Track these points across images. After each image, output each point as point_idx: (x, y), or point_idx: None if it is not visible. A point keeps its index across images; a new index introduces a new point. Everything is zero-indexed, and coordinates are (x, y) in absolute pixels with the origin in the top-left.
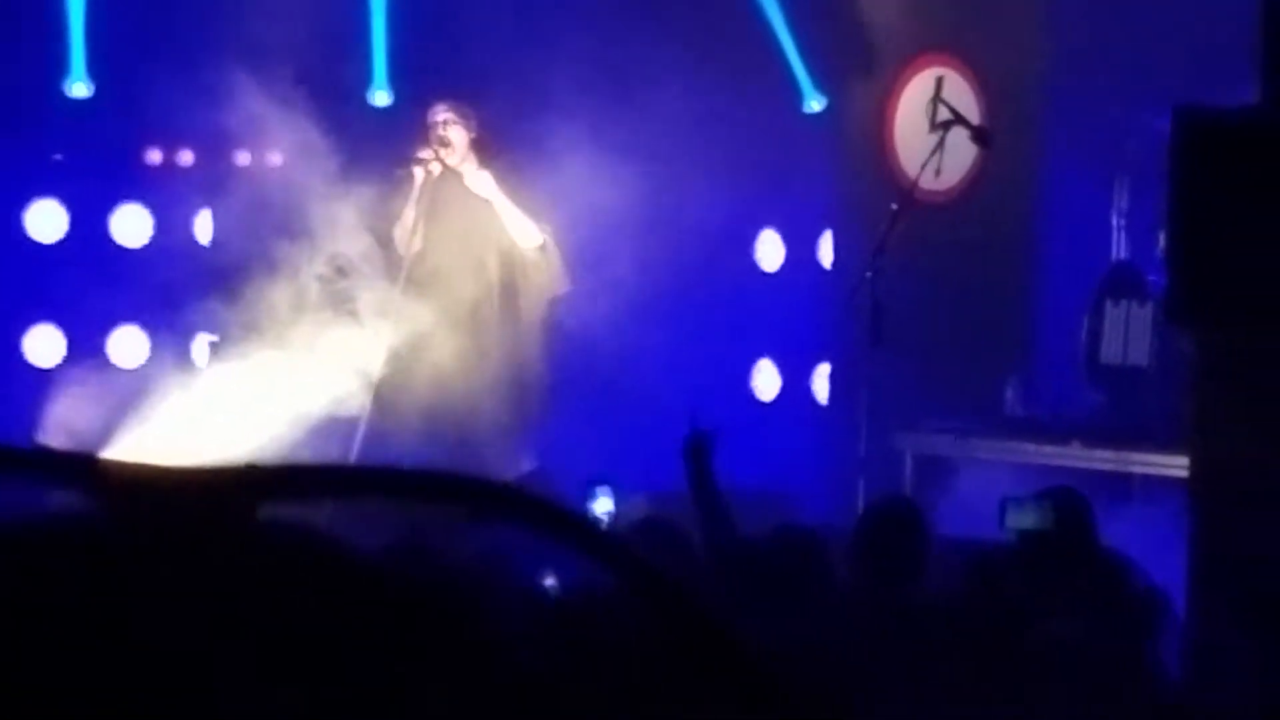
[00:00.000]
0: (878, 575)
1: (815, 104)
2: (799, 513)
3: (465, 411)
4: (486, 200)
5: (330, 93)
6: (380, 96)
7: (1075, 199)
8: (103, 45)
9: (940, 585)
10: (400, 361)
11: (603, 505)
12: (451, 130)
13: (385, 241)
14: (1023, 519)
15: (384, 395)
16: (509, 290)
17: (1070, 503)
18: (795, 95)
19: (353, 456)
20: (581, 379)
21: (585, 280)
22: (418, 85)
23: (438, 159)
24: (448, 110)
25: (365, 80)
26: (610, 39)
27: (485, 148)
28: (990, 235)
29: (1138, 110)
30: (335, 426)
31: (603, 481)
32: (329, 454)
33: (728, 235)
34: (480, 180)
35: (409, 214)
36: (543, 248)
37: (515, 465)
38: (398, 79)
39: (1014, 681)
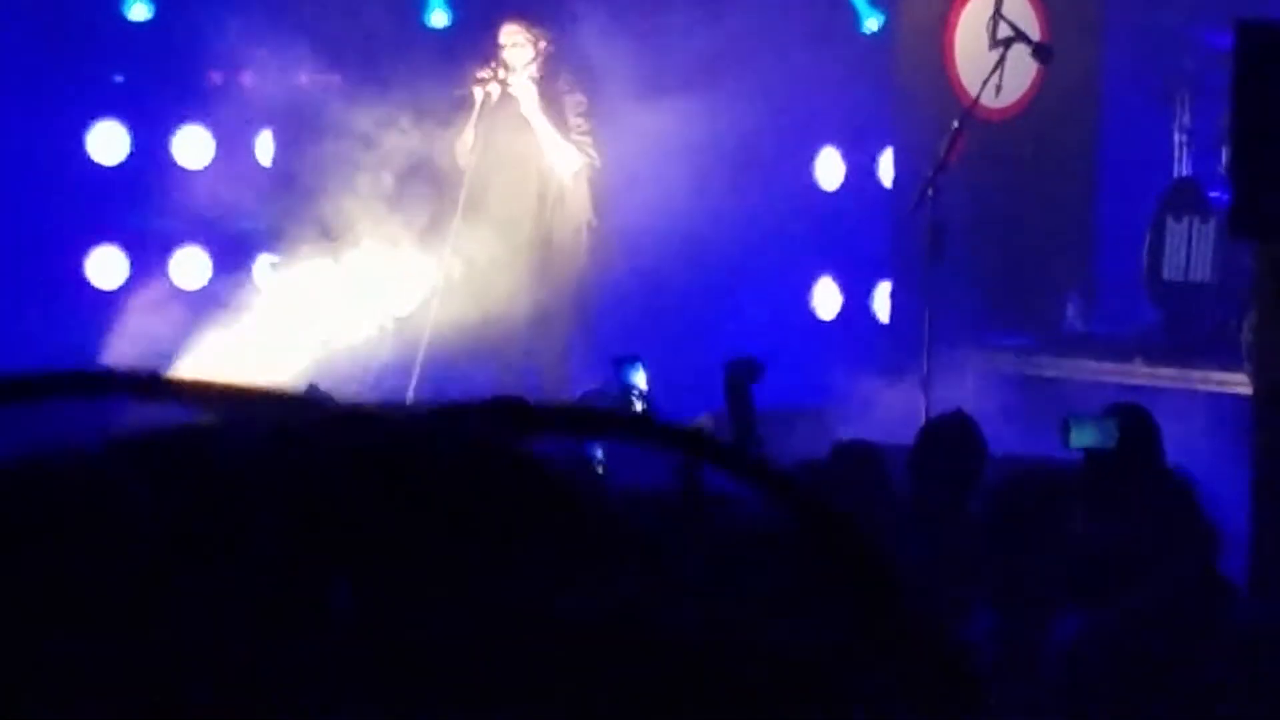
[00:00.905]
0: (933, 488)
1: (873, 22)
2: (860, 430)
3: (520, 332)
4: (533, 122)
5: (389, 12)
6: (438, 17)
7: (1136, 115)
8: None
9: (998, 502)
10: (457, 281)
11: (639, 379)
12: (514, 52)
13: (445, 160)
14: (1086, 437)
15: (442, 316)
16: (548, 213)
17: (1135, 420)
18: (852, 13)
19: (414, 376)
20: (642, 299)
21: (644, 200)
22: (476, 6)
23: (496, 80)
24: (516, 31)
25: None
26: None
27: (548, 70)
28: (1051, 152)
29: (1199, 26)
30: (397, 344)
31: (632, 360)
32: (391, 373)
33: (787, 153)
34: (529, 102)
35: (468, 133)
36: (576, 175)
37: (574, 385)
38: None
39: (1080, 589)
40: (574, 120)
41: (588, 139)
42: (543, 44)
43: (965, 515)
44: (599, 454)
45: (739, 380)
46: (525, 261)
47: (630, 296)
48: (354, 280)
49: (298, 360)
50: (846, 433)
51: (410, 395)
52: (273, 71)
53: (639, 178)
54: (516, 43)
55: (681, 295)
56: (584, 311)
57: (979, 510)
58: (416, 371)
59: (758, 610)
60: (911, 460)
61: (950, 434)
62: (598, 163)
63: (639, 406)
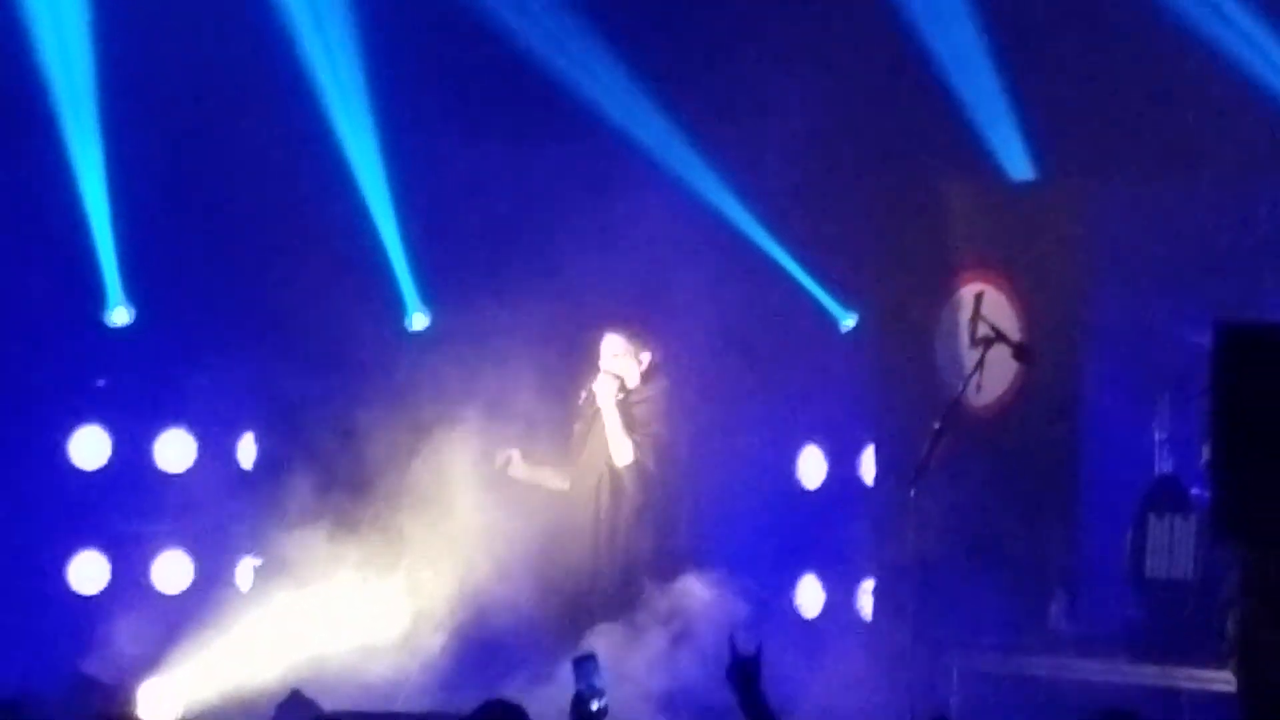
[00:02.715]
0: None
1: (849, 322)
2: None
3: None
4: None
5: (369, 316)
6: (418, 319)
7: (1116, 413)
8: (141, 273)
9: None
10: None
11: (598, 678)
12: (611, 361)
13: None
14: None
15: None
16: (615, 501)
17: None
18: (831, 316)
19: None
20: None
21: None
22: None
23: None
24: (616, 342)
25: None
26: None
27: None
28: (1032, 450)
29: (1179, 325)
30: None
31: (589, 658)
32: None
33: (770, 452)
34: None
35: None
36: (628, 467)
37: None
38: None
39: None
40: (641, 423)
41: (647, 441)
42: (645, 355)
43: None
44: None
45: (746, 679)
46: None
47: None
48: (340, 598)
49: (283, 664)
50: None
51: (401, 703)
52: (254, 375)
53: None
54: (616, 353)
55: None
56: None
57: None
58: (413, 678)
59: None
60: None
61: None
62: (650, 467)
63: (596, 705)
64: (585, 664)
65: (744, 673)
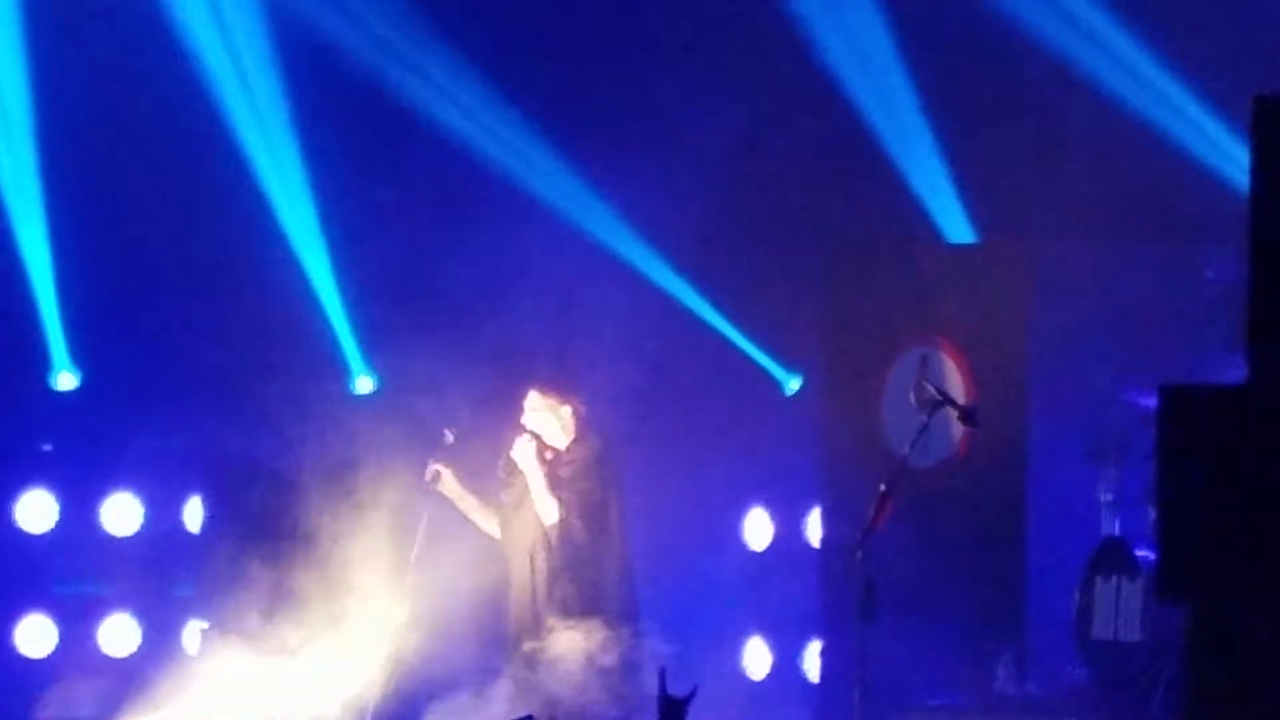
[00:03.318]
0: None
1: (794, 384)
2: None
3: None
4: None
5: (316, 377)
6: (363, 382)
7: (1063, 473)
8: (85, 337)
9: None
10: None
11: None
12: (530, 416)
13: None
14: None
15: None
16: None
17: None
18: (775, 380)
19: None
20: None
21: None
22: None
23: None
24: (537, 398)
25: (349, 370)
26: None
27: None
28: (979, 511)
29: (1124, 386)
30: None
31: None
32: None
33: (715, 514)
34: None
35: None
36: (551, 527)
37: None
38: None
39: None
40: (568, 480)
41: (575, 499)
42: (565, 409)
43: None
44: None
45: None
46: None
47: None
48: (292, 664)
49: None
50: None
51: None
52: (200, 438)
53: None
54: (535, 408)
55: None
56: None
57: None
58: None
59: None
60: None
61: None
62: (577, 524)
63: None
64: None
65: (673, 712)
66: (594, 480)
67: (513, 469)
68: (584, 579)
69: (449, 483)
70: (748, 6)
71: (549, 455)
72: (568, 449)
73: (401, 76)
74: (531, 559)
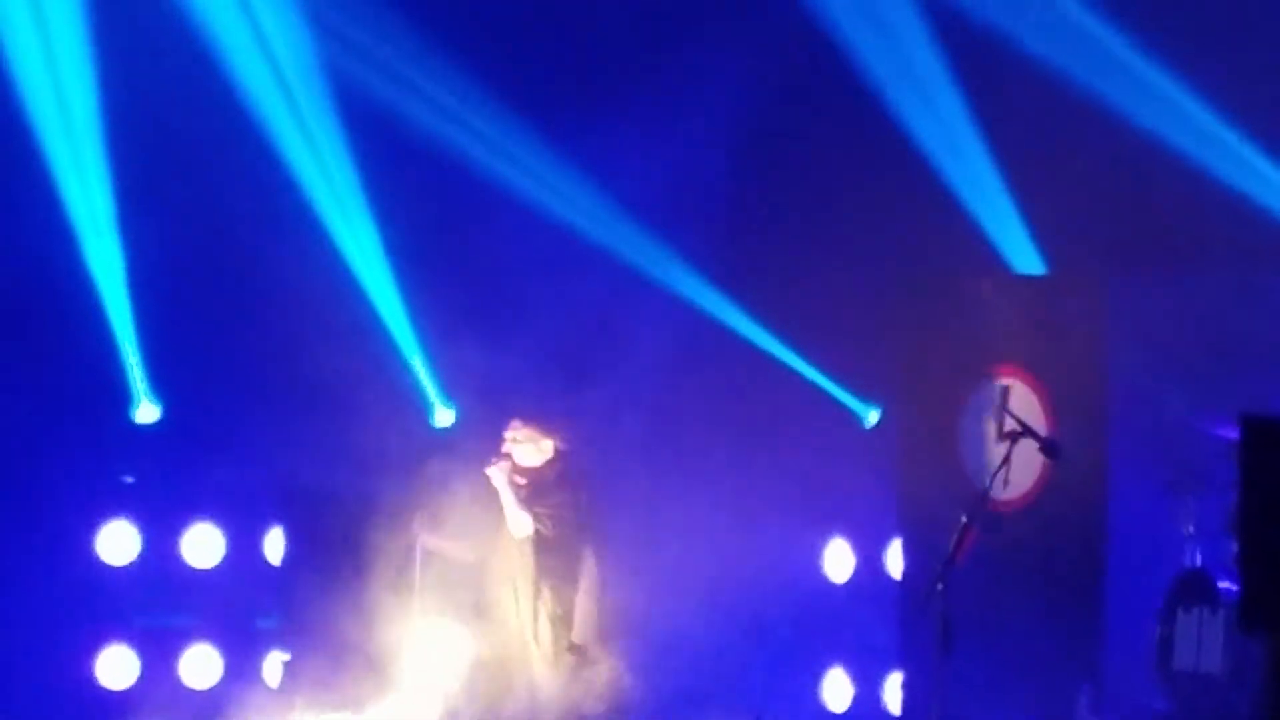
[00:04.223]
0: None
1: (872, 416)
2: None
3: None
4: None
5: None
6: (443, 415)
7: (1143, 506)
8: (166, 370)
9: None
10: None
11: None
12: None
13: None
14: None
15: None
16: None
17: None
18: (854, 413)
19: None
20: (660, 686)
21: (662, 591)
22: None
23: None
24: (518, 428)
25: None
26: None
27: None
28: (1059, 542)
29: (1204, 419)
30: None
31: None
32: None
33: (796, 545)
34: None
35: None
36: (523, 542)
37: None
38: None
39: None
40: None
41: (546, 512)
42: (545, 442)
43: None
44: None
45: None
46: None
47: (644, 690)
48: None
49: None
50: None
51: None
52: (281, 469)
53: (657, 567)
54: (517, 438)
55: (692, 686)
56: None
57: None
58: None
59: None
60: None
61: None
62: (548, 533)
63: None
64: None
65: None
66: (567, 494)
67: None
68: (560, 592)
69: (499, 476)
70: (803, 41)
71: (521, 480)
72: (540, 469)
73: (461, 134)
74: (515, 588)
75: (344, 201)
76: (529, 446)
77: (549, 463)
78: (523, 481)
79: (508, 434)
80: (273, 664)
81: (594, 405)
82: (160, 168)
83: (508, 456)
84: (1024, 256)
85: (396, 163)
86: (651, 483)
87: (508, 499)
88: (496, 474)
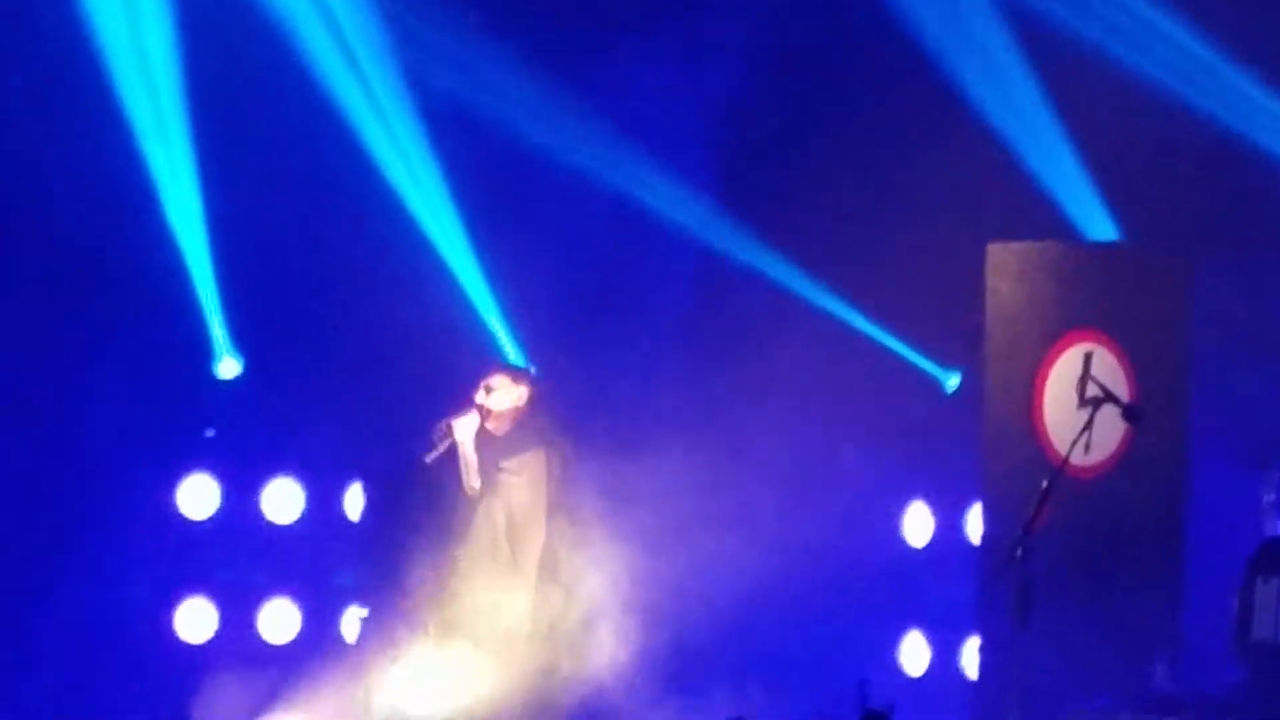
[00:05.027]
0: None
1: (953, 381)
2: None
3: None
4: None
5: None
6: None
7: (1223, 475)
8: (248, 325)
9: None
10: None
11: None
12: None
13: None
14: None
15: None
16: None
17: None
18: (935, 378)
19: None
20: (732, 650)
21: (737, 554)
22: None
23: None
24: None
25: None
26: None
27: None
28: (1138, 510)
29: None
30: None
31: None
32: None
33: (875, 508)
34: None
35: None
36: (471, 497)
37: None
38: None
39: None
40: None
41: (507, 475)
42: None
43: None
44: None
45: None
46: None
47: (722, 653)
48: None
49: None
50: None
51: None
52: (361, 425)
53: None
54: (494, 387)
55: (771, 649)
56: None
57: None
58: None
59: None
60: None
61: None
62: (512, 503)
63: None
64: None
65: None
66: (537, 442)
67: (447, 434)
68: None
69: (466, 429)
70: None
71: (492, 426)
72: (511, 413)
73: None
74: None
75: (415, 167)
76: (501, 394)
77: (520, 410)
78: (493, 428)
79: (489, 384)
80: (350, 620)
81: (688, 369)
82: (241, 134)
83: (479, 408)
84: (1099, 226)
85: (463, 127)
86: (741, 445)
87: (468, 453)
88: (465, 426)
